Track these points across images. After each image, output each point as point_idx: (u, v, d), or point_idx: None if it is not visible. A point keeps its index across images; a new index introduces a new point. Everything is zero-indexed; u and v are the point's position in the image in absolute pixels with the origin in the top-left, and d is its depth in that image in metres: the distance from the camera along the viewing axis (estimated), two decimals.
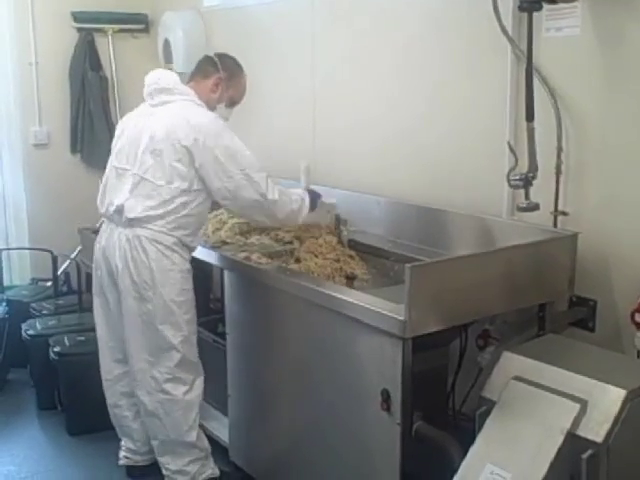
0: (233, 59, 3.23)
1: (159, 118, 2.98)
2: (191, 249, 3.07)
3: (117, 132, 3.21)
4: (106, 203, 3.09)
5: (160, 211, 2.92)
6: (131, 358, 3.08)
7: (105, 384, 3.33)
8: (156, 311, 2.97)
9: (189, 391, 3.06)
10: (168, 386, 3.03)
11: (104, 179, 3.18)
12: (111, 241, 3.05)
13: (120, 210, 2.98)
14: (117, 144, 3.14)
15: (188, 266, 3.05)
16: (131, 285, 2.97)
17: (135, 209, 2.94)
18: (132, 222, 2.95)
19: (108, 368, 3.30)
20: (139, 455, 3.36)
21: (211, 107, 3.11)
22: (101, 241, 3.15)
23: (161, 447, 3.13)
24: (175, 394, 3.03)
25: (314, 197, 3.24)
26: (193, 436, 3.10)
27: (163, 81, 3.05)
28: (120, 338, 3.17)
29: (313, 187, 3.37)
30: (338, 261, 3.15)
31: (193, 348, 3.08)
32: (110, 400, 3.34)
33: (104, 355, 3.30)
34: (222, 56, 3.20)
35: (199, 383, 3.10)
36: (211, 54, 3.22)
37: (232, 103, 3.22)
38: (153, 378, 3.03)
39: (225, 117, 3.17)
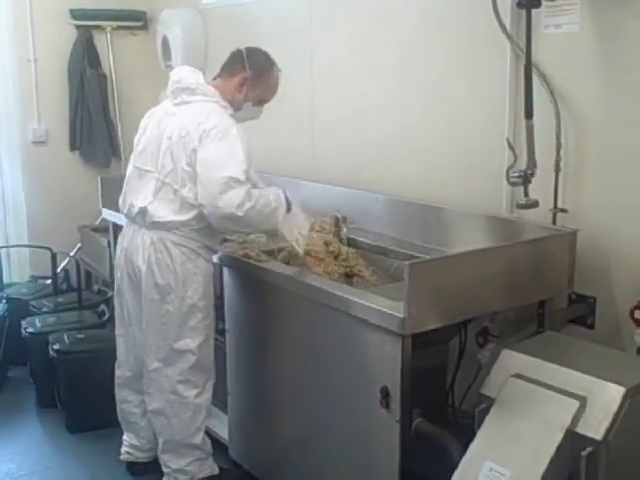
0: (264, 55, 3.10)
1: (178, 119, 2.93)
2: (214, 252, 3.06)
3: (140, 128, 3.16)
4: (127, 204, 3.07)
5: (183, 218, 2.90)
6: (147, 358, 3.07)
7: (117, 381, 3.32)
8: (177, 314, 2.96)
9: (200, 394, 3.05)
10: (180, 388, 3.02)
11: (126, 178, 3.15)
12: (134, 243, 3.03)
13: (143, 212, 2.95)
14: (139, 142, 3.10)
15: (211, 270, 3.04)
16: (154, 287, 2.96)
17: (159, 213, 2.92)
18: (156, 225, 2.93)
19: (123, 368, 3.29)
20: (141, 452, 3.37)
21: (236, 106, 3.03)
22: (123, 242, 3.12)
23: (164, 445, 3.12)
24: (186, 396, 3.03)
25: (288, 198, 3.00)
26: (199, 439, 3.10)
27: (185, 80, 2.98)
28: (134, 341, 3.18)
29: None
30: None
31: (209, 352, 3.07)
32: (119, 396, 3.33)
33: (119, 356, 3.29)
34: (252, 52, 3.08)
35: (209, 386, 3.10)
36: (242, 48, 3.08)
37: (261, 101, 3.11)
38: (166, 377, 3.02)
39: (254, 116, 3.11)
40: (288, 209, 2.96)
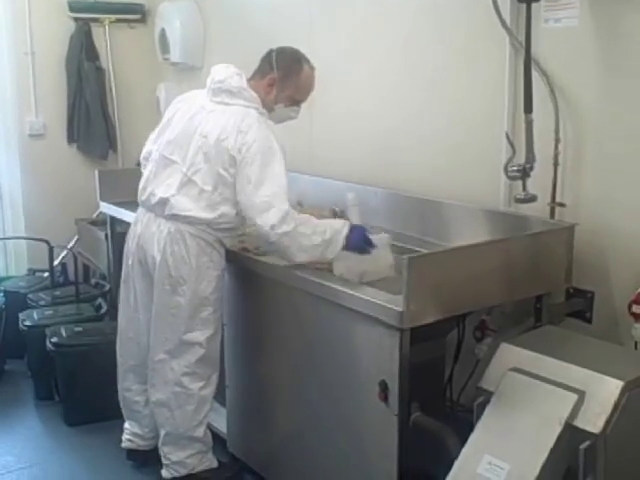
0: (292, 55, 3.04)
1: (216, 119, 2.90)
2: (226, 247, 3.05)
3: (169, 112, 3.13)
4: (148, 192, 3.04)
5: (203, 215, 2.89)
6: (152, 349, 3.07)
7: (120, 368, 3.32)
8: (187, 306, 2.96)
9: (205, 387, 3.06)
10: (185, 380, 3.02)
11: (145, 162, 3.15)
12: (149, 231, 3.02)
13: (164, 203, 2.94)
14: (167, 130, 3.07)
15: (224, 264, 3.04)
16: (166, 278, 2.96)
17: (180, 207, 2.91)
18: (176, 217, 2.93)
19: (125, 357, 3.29)
20: (143, 440, 3.37)
21: (269, 108, 2.99)
22: (136, 229, 3.10)
23: (166, 437, 3.13)
24: (191, 388, 3.03)
25: (359, 234, 2.83)
26: (201, 432, 3.11)
27: (228, 82, 2.94)
28: (138, 329, 3.18)
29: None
30: None
31: (216, 345, 3.07)
32: (122, 384, 3.33)
33: (122, 343, 3.29)
34: (280, 52, 3.02)
35: (214, 379, 3.10)
36: (273, 48, 3.04)
37: (294, 102, 3.04)
38: (171, 369, 3.02)
39: (290, 117, 3.07)
40: (363, 250, 2.81)
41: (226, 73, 2.98)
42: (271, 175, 2.81)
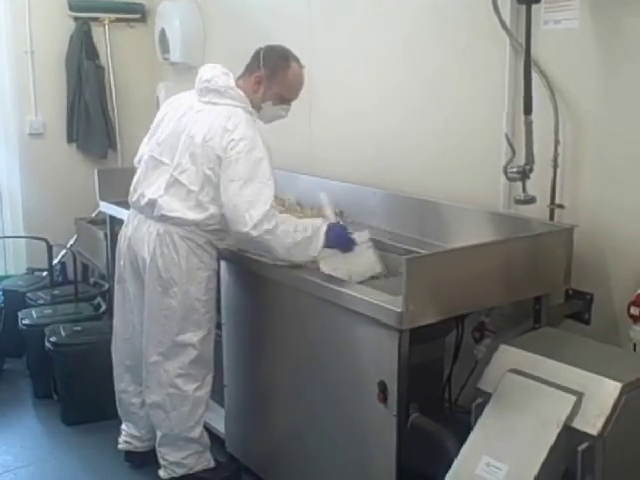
0: (279, 52, 3.02)
1: (204, 119, 2.90)
2: (218, 249, 3.05)
3: (160, 114, 3.14)
4: (138, 194, 3.05)
5: (191, 217, 2.89)
6: (146, 350, 3.07)
7: (116, 370, 3.32)
8: (179, 308, 2.96)
9: (200, 388, 3.06)
10: (179, 381, 3.02)
11: (139, 164, 3.15)
12: (139, 233, 3.02)
13: (152, 204, 2.95)
14: (158, 130, 3.08)
15: (215, 266, 3.04)
16: (157, 280, 2.96)
17: (168, 207, 2.91)
18: (165, 218, 2.93)
19: (120, 358, 3.29)
20: (140, 442, 3.37)
21: (257, 106, 2.99)
22: (127, 231, 3.11)
23: (162, 439, 3.13)
24: (185, 389, 3.03)
25: (338, 231, 2.92)
26: (197, 432, 3.11)
27: (215, 82, 2.94)
28: (133, 331, 3.18)
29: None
30: None
31: (210, 346, 3.07)
32: (118, 386, 3.34)
33: (117, 345, 3.30)
34: (268, 50, 3.01)
35: (209, 379, 3.10)
36: (262, 46, 3.03)
37: (283, 99, 3.02)
38: (165, 371, 3.03)
39: (279, 115, 3.06)
40: (345, 247, 2.90)
41: (212, 73, 2.98)
42: (256, 175, 2.81)
